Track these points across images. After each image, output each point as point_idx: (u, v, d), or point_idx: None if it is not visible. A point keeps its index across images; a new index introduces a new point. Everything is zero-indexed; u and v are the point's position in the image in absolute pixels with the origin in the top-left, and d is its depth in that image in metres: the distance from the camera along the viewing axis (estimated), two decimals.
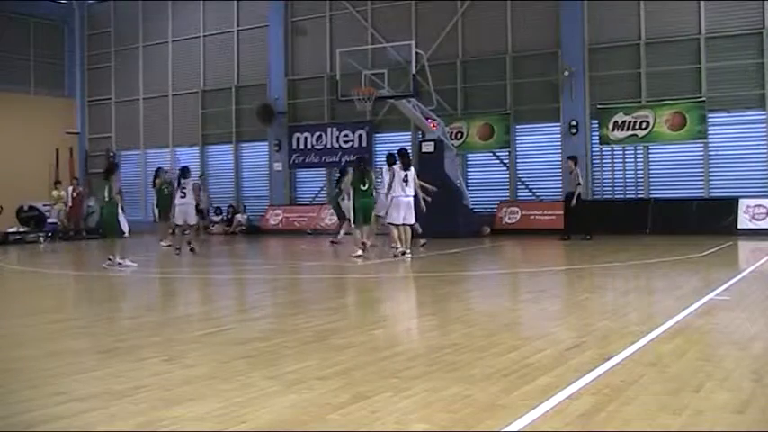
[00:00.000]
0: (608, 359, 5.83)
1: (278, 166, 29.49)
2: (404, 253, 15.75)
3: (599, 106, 24.05)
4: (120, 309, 10.25)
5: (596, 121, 24.20)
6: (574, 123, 24.05)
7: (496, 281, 13.00)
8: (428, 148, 23.22)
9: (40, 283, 14.12)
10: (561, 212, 21.75)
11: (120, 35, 33.95)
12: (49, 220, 27.49)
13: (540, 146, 25.26)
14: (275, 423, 4.42)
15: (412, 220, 16.26)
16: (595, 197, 24.17)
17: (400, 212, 15.97)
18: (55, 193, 27.92)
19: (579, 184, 20.60)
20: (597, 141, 24.25)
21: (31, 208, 27.38)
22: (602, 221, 22.39)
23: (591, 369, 5.49)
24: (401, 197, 16.00)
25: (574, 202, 20.48)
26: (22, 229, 26.27)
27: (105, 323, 8.79)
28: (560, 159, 23.92)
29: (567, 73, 23.81)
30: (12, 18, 32.02)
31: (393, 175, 16.26)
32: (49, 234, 26.48)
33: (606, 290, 11.11)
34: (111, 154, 32.30)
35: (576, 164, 20.99)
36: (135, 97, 33.49)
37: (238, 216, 29.22)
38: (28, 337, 7.82)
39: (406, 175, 16.12)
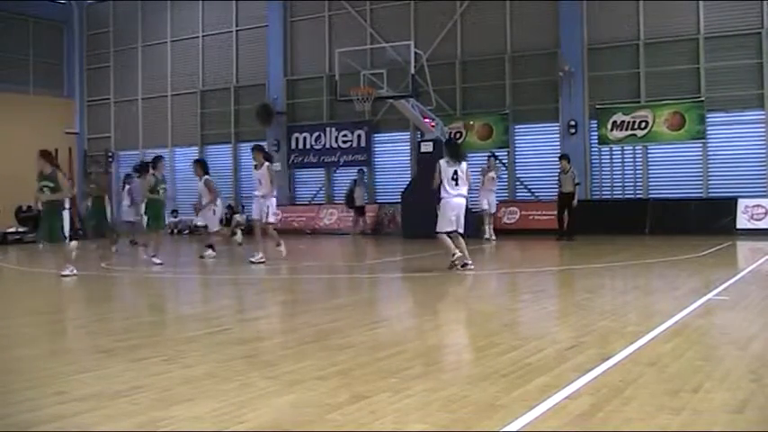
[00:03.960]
0: (607, 359, 5.83)
1: (277, 166, 29.45)
2: (465, 264, 12.96)
3: (598, 106, 24.08)
4: (118, 309, 10.25)
5: (595, 121, 24.23)
6: (573, 123, 24.07)
7: (495, 281, 13.00)
8: (427, 148, 23.22)
9: (38, 282, 14.12)
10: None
11: (119, 35, 33.97)
12: None
13: (538, 146, 25.28)
14: (274, 423, 4.42)
15: (462, 227, 13.28)
16: (594, 197, 24.19)
17: (450, 215, 12.98)
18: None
19: (579, 183, 20.60)
20: (596, 141, 24.27)
21: (30, 208, 27.36)
22: (601, 222, 22.43)
23: (590, 369, 5.49)
24: (451, 197, 12.98)
25: (576, 202, 20.47)
26: (20, 229, 26.29)
27: (104, 323, 8.79)
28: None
29: (566, 68, 23.81)
30: (11, 18, 32.01)
31: (439, 172, 13.08)
32: None
33: (605, 290, 11.11)
34: None
35: (569, 162, 20.93)
36: (134, 97, 33.51)
37: (237, 216, 29.20)
38: (28, 337, 7.82)
39: (456, 172, 13.00)
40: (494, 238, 21.46)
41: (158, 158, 16.84)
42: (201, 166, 17.68)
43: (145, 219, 16.43)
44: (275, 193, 16.26)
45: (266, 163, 15.97)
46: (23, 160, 29.61)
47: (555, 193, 21.59)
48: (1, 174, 28.54)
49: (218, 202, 17.78)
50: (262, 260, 15.37)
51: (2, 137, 30.11)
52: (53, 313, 9.83)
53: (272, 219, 16.10)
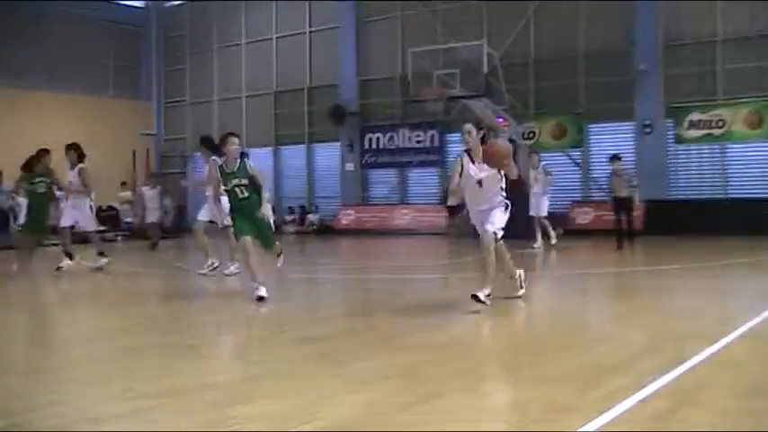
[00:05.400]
0: (682, 362, 5.73)
1: (350, 167, 29.66)
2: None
3: (673, 105, 23.65)
4: (189, 307, 10.35)
5: (671, 120, 23.81)
6: (647, 123, 23.70)
7: (568, 282, 12.87)
8: None
9: (113, 281, 14.39)
10: (635, 214, 19.52)
11: (195, 38, 34.58)
12: (126, 220, 28.14)
13: (613, 145, 24.86)
14: (345, 422, 4.46)
15: None
16: (671, 197, 23.77)
17: None
18: (120, 194, 28.55)
19: (635, 186, 18.33)
20: (672, 140, 23.84)
21: (109, 207, 28.08)
22: (678, 222, 22.04)
23: (664, 372, 5.40)
24: None
25: (636, 207, 18.64)
26: (100, 228, 26.94)
27: (176, 321, 8.95)
28: (634, 159, 23.53)
29: (640, 66, 23.43)
30: (93, 23, 32.77)
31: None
32: (127, 233, 27.10)
33: (681, 291, 10.91)
34: None
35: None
36: (209, 99, 34.06)
37: (310, 216, 29.52)
38: (102, 333, 8.00)
39: None
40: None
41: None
42: (78, 150, 14.82)
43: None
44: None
45: (213, 156, 12.20)
46: (102, 161, 30.55)
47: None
48: None
49: (93, 196, 15.04)
50: (237, 272, 12.91)
51: (82, 138, 30.83)
52: (129, 307, 10.02)
53: (228, 221, 12.12)
